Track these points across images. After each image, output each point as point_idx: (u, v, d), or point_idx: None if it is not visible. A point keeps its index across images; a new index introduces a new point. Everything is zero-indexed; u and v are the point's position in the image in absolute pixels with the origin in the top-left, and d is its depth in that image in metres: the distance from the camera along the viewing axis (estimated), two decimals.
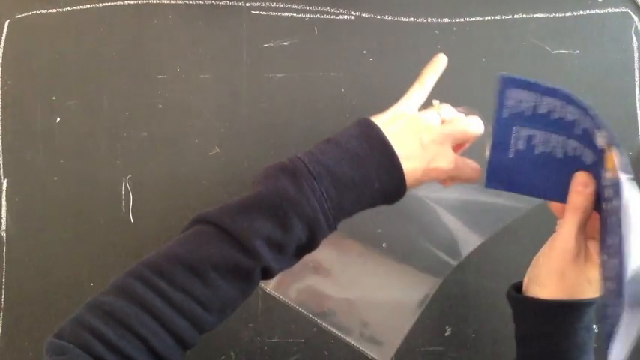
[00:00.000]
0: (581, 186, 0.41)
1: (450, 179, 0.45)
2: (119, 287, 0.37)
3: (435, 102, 0.46)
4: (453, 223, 0.54)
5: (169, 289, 0.36)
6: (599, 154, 0.40)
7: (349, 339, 0.55)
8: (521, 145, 0.44)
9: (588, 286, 0.41)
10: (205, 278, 0.37)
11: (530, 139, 0.44)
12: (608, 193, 0.38)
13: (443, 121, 0.45)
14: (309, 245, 0.41)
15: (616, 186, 0.36)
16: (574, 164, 0.42)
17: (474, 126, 0.45)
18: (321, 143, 0.42)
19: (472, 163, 0.45)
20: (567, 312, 0.40)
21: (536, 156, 0.44)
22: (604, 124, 0.39)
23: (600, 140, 0.40)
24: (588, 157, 0.42)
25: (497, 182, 0.46)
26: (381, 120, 0.43)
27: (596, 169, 0.41)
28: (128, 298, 0.36)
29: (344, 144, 0.41)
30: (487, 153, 0.45)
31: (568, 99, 0.42)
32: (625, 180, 0.35)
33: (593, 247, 0.42)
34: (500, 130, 0.44)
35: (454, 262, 0.54)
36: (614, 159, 0.38)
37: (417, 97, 0.46)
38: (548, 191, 0.44)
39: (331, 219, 0.40)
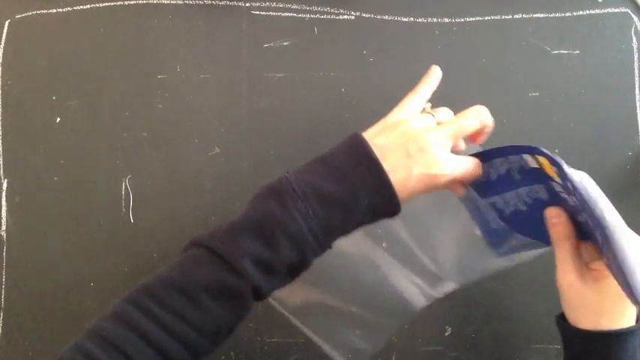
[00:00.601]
0: (554, 218, 0.41)
1: (454, 183, 0.44)
2: (116, 313, 0.38)
3: (427, 105, 0.46)
4: (461, 244, 0.53)
5: (162, 313, 0.37)
6: (542, 176, 0.40)
7: (324, 344, 0.55)
8: (493, 214, 0.46)
9: (626, 309, 0.41)
10: (197, 301, 0.37)
11: (494, 205, 0.46)
12: (572, 200, 0.39)
13: (439, 124, 0.44)
14: (301, 265, 0.40)
15: (569, 181, 0.37)
16: (538, 206, 0.43)
17: (471, 120, 0.44)
18: (310, 161, 0.41)
19: (468, 159, 0.44)
20: (605, 341, 0.40)
21: (509, 216, 0.46)
22: (521, 147, 0.40)
23: (530, 162, 0.41)
24: (541, 191, 0.42)
25: (502, 249, 0.48)
26: (370, 133, 0.43)
27: (556, 198, 0.41)
28: (123, 323, 0.37)
29: (331, 161, 0.40)
30: (477, 232, 0.48)
31: (496, 154, 0.43)
32: (567, 168, 0.37)
33: (601, 266, 0.41)
34: (472, 210, 0.47)
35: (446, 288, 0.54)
36: (547, 161, 0.39)
37: (410, 106, 0.45)
38: (540, 238, 0.45)
39: (320, 237, 0.39)
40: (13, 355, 0.58)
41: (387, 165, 0.40)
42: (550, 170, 0.39)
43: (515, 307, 0.58)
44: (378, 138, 0.42)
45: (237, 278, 0.38)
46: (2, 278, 0.59)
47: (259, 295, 0.39)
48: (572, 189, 0.36)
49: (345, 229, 0.41)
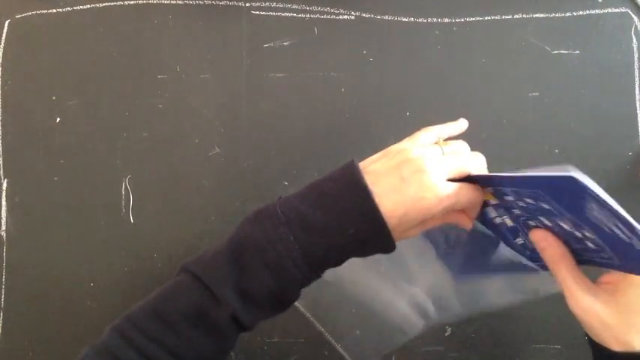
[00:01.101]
0: (541, 242, 0.39)
1: (457, 214, 0.41)
2: (103, 342, 0.38)
3: (439, 138, 0.43)
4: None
5: (144, 342, 0.37)
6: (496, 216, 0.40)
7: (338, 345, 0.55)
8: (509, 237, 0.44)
9: None
10: (177, 329, 0.37)
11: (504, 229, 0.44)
12: (538, 217, 0.37)
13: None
14: (284, 294, 0.38)
15: (517, 194, 0.36)
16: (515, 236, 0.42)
17: (474, 163, 0.40)
18: (304, 186, 0.40)
19: (468, 186, 0.40)
20: None
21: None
22: (515, 178, 0.38)
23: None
24: (509, 224, 0.42)
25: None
26: (367, 160, 0.41)
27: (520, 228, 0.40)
28: (108, 353, 0.37)
29: (321, 187, 0.39)
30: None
31: (496, 182, 0.40)
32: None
33: (611, 277, 0.38)
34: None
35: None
36: (484, 191, 0.39)
37: (417, 137, 0.42)
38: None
39: (302, 265, 0.37)
40: (13, 355, 0.58)
41: (378, 189, 0.37)
42: (488, 196, 0.39)
43: (516, 307, 0.58)
44: (374, 164, 0.40)
45: (216, 306, 0.37)
46: (2, 278, 0.59)
47: (241, 325, 0.38)
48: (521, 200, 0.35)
49: (331, 259, 0.38)
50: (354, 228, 0.37)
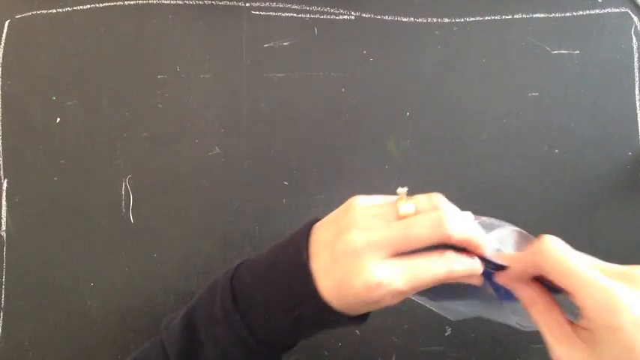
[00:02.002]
0: (509, 283, 0.34)
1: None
2: None
3: (401, 191, 0.34)
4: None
5: None
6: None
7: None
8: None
9: None
10: None
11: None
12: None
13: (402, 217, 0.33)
14: None
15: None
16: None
17: (438, 230, 0.31)
18: (265, 251, 0.37)
19: (427, 265, 0.32)
20: None
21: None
22: None
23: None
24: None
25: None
26: (325, 219, 0.36)
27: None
28: None
29: (273, 256, 0.35)
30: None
31: None
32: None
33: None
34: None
35: None
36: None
37: (371, 199, 0.35)
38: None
39: (253, 345, 0.34)
40: (13, 355, 0.58)
41: (316, 265, 0.33)
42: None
43: None
44: (322, 229, 0.35)
45: None
46: (2, 278, 0.59)
47: None
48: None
49: (282, 339, 0.35)
50: (298, 309, 0.33)
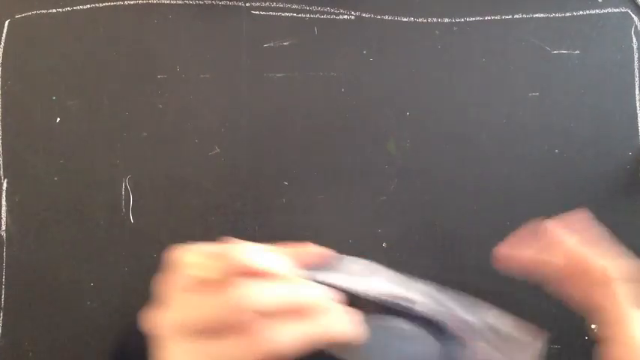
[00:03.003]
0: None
1: None
2: None
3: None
4: None
5: None
6: None
7: None
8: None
9: None
10: None
11: None
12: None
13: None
14: None
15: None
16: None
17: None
18: None
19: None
20: None
21: None
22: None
23: None
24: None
25: None
26: None
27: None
28: None
29: None
30: None
31: None
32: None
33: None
34: None
35: None
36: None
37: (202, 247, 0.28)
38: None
39: None
40: (13, 355, 0.58)
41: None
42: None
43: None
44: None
45: None
46: (2, 278, 0.59)
47: None
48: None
49: None
50: None
